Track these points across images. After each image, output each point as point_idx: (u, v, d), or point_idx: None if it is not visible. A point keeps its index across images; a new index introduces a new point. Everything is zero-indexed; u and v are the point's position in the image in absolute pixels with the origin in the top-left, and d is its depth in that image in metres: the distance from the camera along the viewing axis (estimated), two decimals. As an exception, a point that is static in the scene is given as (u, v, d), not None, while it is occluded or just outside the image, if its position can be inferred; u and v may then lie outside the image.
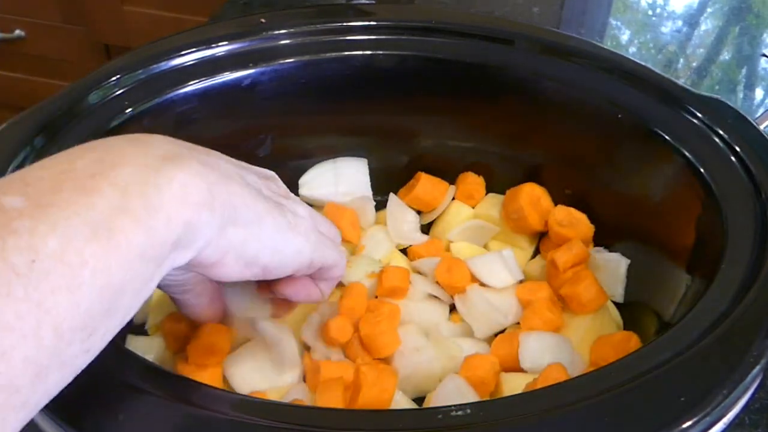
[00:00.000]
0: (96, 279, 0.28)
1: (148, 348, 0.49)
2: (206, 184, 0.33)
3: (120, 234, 0.29)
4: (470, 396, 0.46)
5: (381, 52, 0.59)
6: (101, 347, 0.29)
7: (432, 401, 0.47)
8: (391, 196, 0.62)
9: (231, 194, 0.35)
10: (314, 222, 0.43)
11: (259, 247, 0.37)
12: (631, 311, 0.53)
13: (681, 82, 0.54)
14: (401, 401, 0.47)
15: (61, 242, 0.27)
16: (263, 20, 0.59)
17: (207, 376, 0.46)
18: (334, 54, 0.58)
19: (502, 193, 0.60)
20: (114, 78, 0.52)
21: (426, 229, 0.62)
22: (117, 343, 0.38)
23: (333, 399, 0.44)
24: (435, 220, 0.62)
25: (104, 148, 0.32)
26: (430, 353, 0.50)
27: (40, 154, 0.46)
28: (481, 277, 0.55)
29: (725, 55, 0.89)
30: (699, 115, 0.51)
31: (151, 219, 0.30)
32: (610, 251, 0.55)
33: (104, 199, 0.29)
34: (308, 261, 0.41)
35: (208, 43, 0.56)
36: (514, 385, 0.47)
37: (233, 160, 0.39)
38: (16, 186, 0.28)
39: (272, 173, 0.44)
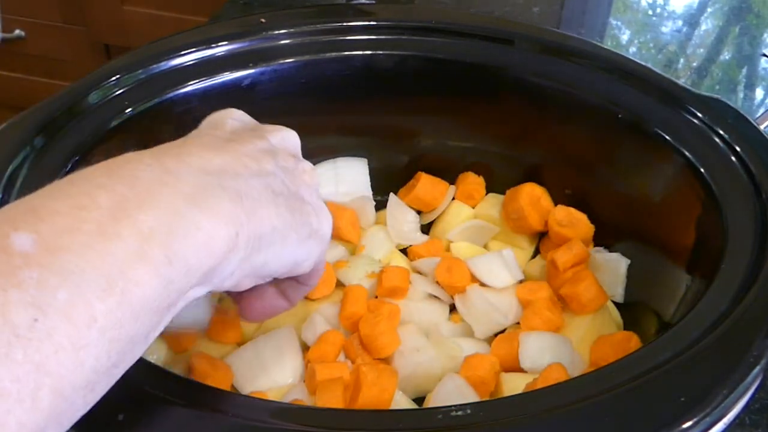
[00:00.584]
0: (104, 336, 0.26)
1: (150, 349, 0.49)
2: (234, 228, 0.31)
3: (135, 286, 0.27)
4: (470, 396, 0.46)
5: (381, 52, 0.59)
6: (103, 393, 0.28)
7: (432, 401, 0.47)
8: (391, 196, 0.62)
9: (260, 224, 0.32)
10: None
11: (279, 264, 0.35)
12: (631, 311, 0.53)
13: (681, 82, 0.54)
14: (401, 401, 0.47)
15: (70, 296, 0.25)
16: (263, 20, 0.59)
17: (219, 376, 0.47)
18: (334, 54, 0.58)
19: (502, 193, 0.60)
20: (114, 78, 0.52)
21: (426, 229, 0.62)
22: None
23: (333, 399, 0.44)
24: (435, 220, 0.62)
25: (129, 182, 0.29)
26: (430, 353, 0.50)
27: (40, 154, 0.46)
28: (481, 277, 0.55)
29: (725, 55, 0.89)
30: (699, 115, 0.51)
31: (170, 270, 0.28)
32: (610, 251, 0.55)
33: (124, 245, 0.27)
34: (312, 265, 0.38)
35: (208, 43, 0.56)
36: (514, 385, 0.47)
37: (260, 144, 0.36)
38: (27, 220, 0.26)
39: (292, 142, 0.40)
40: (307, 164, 0.39)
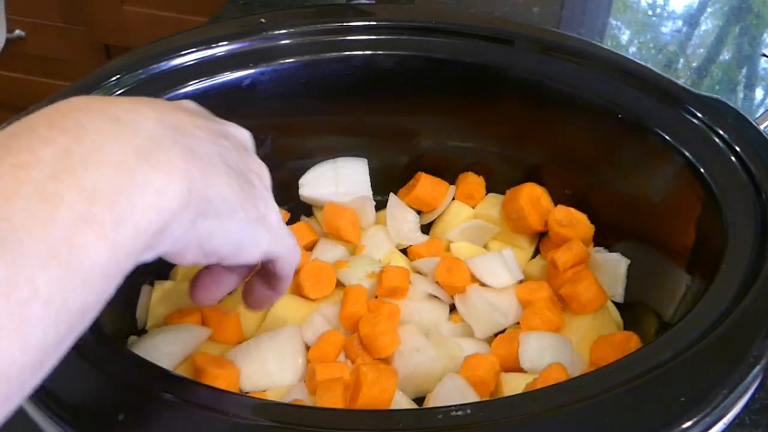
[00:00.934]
0: (49, 309, 0.24)
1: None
2: (187, 184, 0.29)
3: (81, 253, 0.25)
4: (470, 396, 0.46)
5: (381, 52, 0.59)
6: (55, 364, 0.26)
7: (432, 401, 0.47)
8: (391, 196, 0.62)
9: (210, 187, 0.31)
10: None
11: (224, 239, 0.33)
12: (631, 311, 0.53)
13: (681, 82, 0.54)
14: (401, 401, 0.47)
15: (8, 272, 0.23)
16: (263, 20, 0.59)
17: (228, 375, 0.47)
18: (334, 54, 0.58)
19: (502, 193, 0.60)
20: (114, 78, 0.52)
21: (426, 229, 0.62)
22: (118, 345, 0.38)
23: (333, 399, 0.44)
24: (435, 220, 0.62)
25: (75, 134, 0.27)
26: (430, 353, 0.50)
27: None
28: (481, 277, 0.55)
29: (725, 55, 0.89)
30: (699, 115, 0.51)
31: (118, 232, 0.26)
32: (610, 251, 0.55)
33: (67, 209, 0.25)
34: (264, 252, 0.37)
35: (208, 43, 0.56)
36: (514, 385, 0.47)
37: (214, 125, 0.35)
38: None
39: (246, 135, 0.39)
40: (260, 161, 0.39)
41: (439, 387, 0.47)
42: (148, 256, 0.30)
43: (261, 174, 0.37)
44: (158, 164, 0.28)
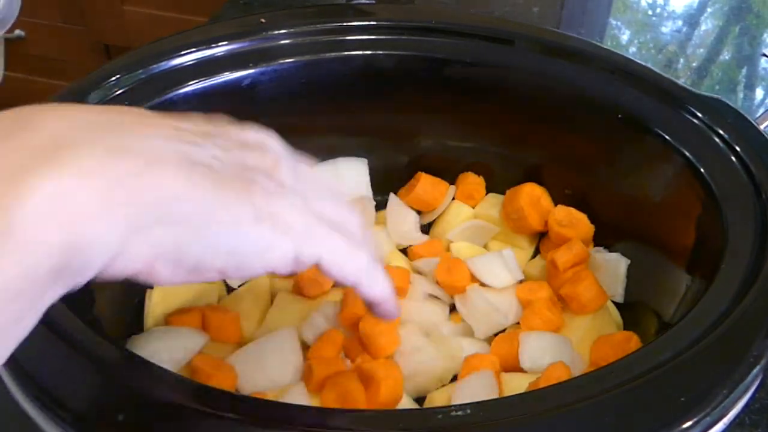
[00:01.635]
0: None
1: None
2: (104, 183, 0.25)
3: None
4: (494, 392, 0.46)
5: (381, 52, 0.59)
6: None
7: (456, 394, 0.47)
8: (391, 196, 0.62)
9: (152, 186, 0.26)
10: (308, 200, 0.33)
11: (202, 249, 0.28)
12: (631, 311, 0.53)
13: (681, 82, 0.54)
14: (402, 401, 0.47)
15: None
16: (263, 20, 0.59)
17: (223, 377, 0.47)
18: (334, 54, 0.58)
19: (502, 193, 0.60)
20: (114, 78, 0.52)
21: (426, 229, 0.62)
22: (118, 345, 0.38)
23: (334, 399, 0.44)
24: (435, 220, 0.62)
25: None
26: (431, 353, 0.50)
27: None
28: (481, 277, 0.55)
29: (725, 55, 0.89)
30: (699, 115, 0.51)
31: (5, 250, 0.22)
32: (610, 251, 0.55)
33: None
34: (291, 258, 0.32)
35: (208, 43, 0.56)
36: (514, 385, 0.47)
37: (191, 128, 0.30)
38: None
39: (261, 136, 0.34)
40: (275, 159, 0.33)
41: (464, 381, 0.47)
42: (73, 282, 0.25)
43: (272, 171, 0.32)
44: (58, 165, 0.24)
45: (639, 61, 0.56)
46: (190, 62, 0.55)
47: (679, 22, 0.94)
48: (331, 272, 0.34)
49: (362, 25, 0.60)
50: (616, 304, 0.54)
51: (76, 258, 0.24)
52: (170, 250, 0.28)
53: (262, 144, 0.34)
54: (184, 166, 0.27)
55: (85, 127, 0.26)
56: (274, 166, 0.32)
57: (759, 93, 0.83)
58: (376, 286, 0.37)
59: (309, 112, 0.59)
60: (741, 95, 0.82)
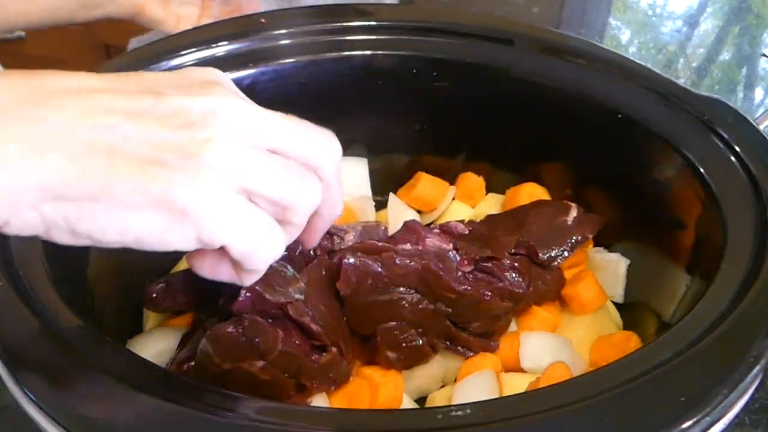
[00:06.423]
0: None
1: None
2: None
3: None
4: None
5: (381, 52, 0.59)
6: None
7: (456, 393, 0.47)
8: (391, 196, 0.62)
9: (36, 172, 0.28)
10: (241, 177, 0.32)
11: (91, 227, 0.30)
12: (631, 311, 0.53)
13: (681, 82, 0.54)
14: (402, 402, 0.47)
15: None
16: (263, 20, 0.59)
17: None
18: (334, 54, 0.58)
19: (502, 193, 0.60)
20: (114, 78, 0.52)
21: (426, 229, 0.62)
22: (118, 345, 0.38)
23: (334, 400, 0.44)
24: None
25: None
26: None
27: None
28: (481, 277, 0.54)
29: (725, 55, 0.89)
30: (699, 115, 0.51)
31: None
32: (610, 251, 0.55)
33: None
34: (193, 240, 0.31)
35: (208, 43, 0.56)
36: (514, 385, 0.47)
37: (133, 89, 0.32)
38: None
39: (212, 94, 0.34)
40: (207, 136, 0.32)
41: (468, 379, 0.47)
42: None
43: (196, 147, 0.31)
44: None
45: (639, 61, 0.56)
46: (190, 62, 0.55)
47: (679, 23, 0.94)
48: (242, 260, 0.33)
49: (362, 25, 0.60)
50: (615, 304, 0.54)
51: None
52: (60, 224, 0.30)
53: (208, 105, 0.33)
54: (79, 153, 0.29)
55: (12, 98, 0.29)
56: (207, 140, 0.32)
57: (759, 93, 0.83)
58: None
59: (309, 112, 0.59)
60: (741, 95, 0.82)
